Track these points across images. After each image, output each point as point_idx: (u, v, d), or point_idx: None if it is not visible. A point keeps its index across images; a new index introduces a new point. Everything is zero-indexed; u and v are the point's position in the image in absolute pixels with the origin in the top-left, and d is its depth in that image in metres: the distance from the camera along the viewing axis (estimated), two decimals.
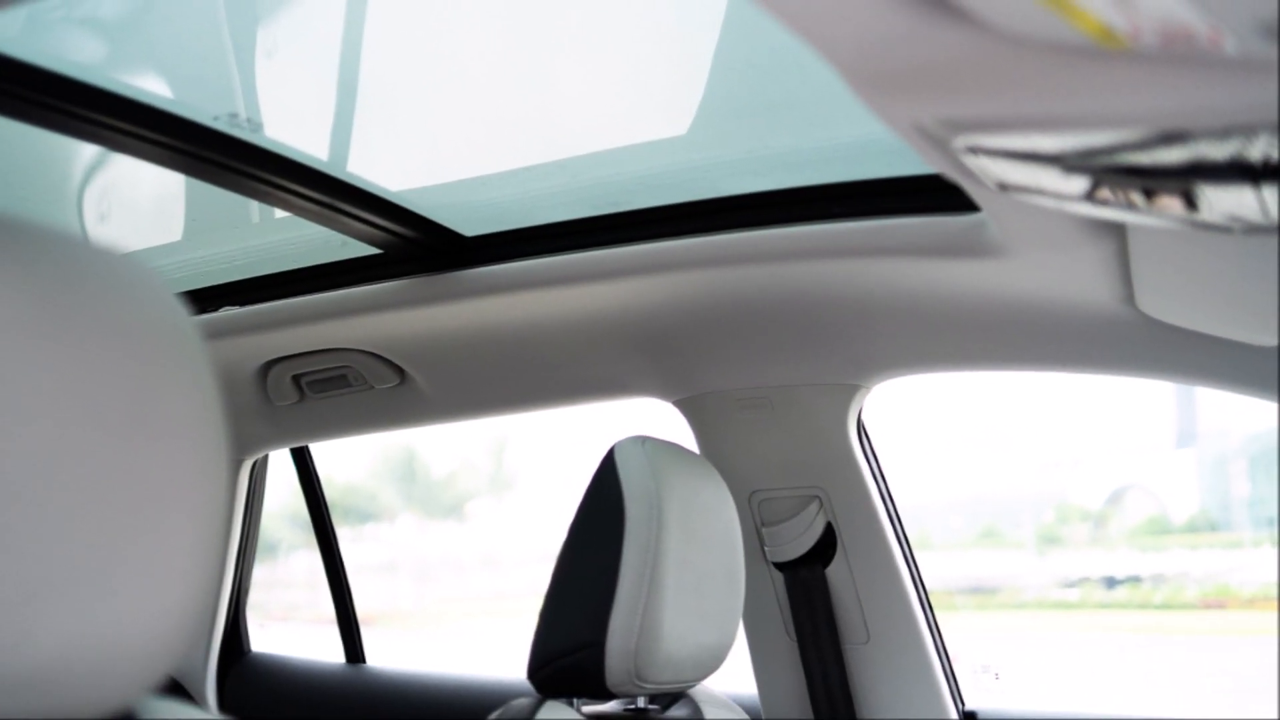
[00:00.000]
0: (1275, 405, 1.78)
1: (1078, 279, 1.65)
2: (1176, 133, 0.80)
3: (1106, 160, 0.87)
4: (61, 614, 0.64)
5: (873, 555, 2.14)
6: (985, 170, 1.04)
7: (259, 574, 3.03)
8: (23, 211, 0.69)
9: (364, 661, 2.89)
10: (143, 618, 0.68)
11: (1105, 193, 0.93)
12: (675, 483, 1.62)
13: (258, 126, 1.60)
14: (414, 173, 1.87)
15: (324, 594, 2.92)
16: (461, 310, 2.05)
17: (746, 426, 2.16)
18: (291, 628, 3.62)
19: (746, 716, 1.83)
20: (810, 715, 2.17)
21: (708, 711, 1.75)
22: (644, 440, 1.66)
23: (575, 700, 1.66)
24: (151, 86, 1.55)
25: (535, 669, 1.61)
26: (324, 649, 2.91)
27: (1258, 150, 0.78)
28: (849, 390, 2.09)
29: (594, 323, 2.06)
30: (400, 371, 2.27)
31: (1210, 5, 0.64)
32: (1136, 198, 0.91)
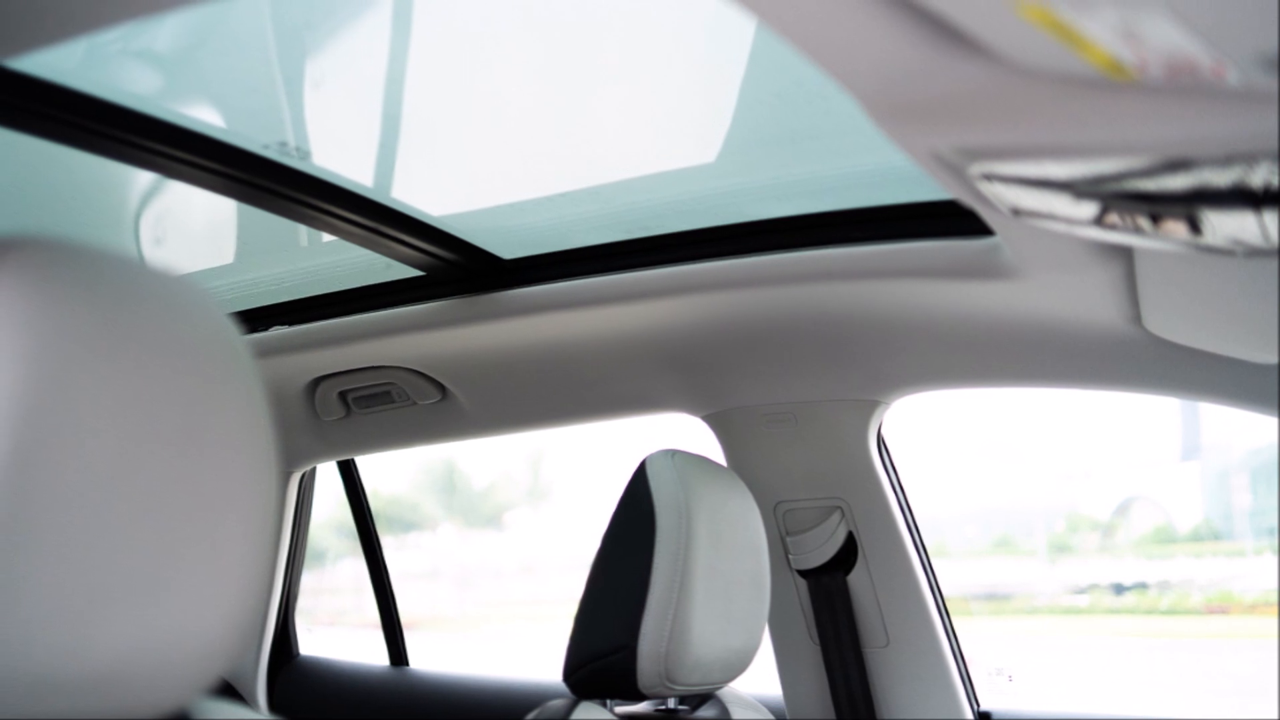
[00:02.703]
0: (1276, 420, 1.80)
1: (1087, 300, 1.67)
2: (1181, 161, 0.82)
3: (1115, 187, 0.90)
4: (120, 619, 0.67)
5: (892, 563, 2.17)
6: (999, 196, 1.07)
7: (307, 581, 3.05)
8: (83, 235, 0.72)
9: (407, 664, 2.91)
10: (197, 622, 0.71)
11: (1114, 217, 0.95)
12: (704, 494, 1.64)
13: (306, 155, 1.63)
14: (455, 199, 1.89)
15: (369, 600, 2.94)
16: (500, 330, 2.08)
17: (771, 440, 2.18)
18: (338, 632, 3.61)
19: (772, 717, 1.86)
20: (832, 716, 2.19)
21: (735, 712, 1.77)
22: (674, 453, 1.68)
23: (608, 701, 1.68)
24: (205, 116, 1.58)
25: (570, 671, 1.63)
26: (369, 652, 2.93)
27: (1259, 177, 0.81)
28: (869, 406, 2.12)
29: (626, 342, 2.08)
30: (442, 388, 2.29)
31: (1214, 39, 0.67)
32: (1143, 222, 0.93)
